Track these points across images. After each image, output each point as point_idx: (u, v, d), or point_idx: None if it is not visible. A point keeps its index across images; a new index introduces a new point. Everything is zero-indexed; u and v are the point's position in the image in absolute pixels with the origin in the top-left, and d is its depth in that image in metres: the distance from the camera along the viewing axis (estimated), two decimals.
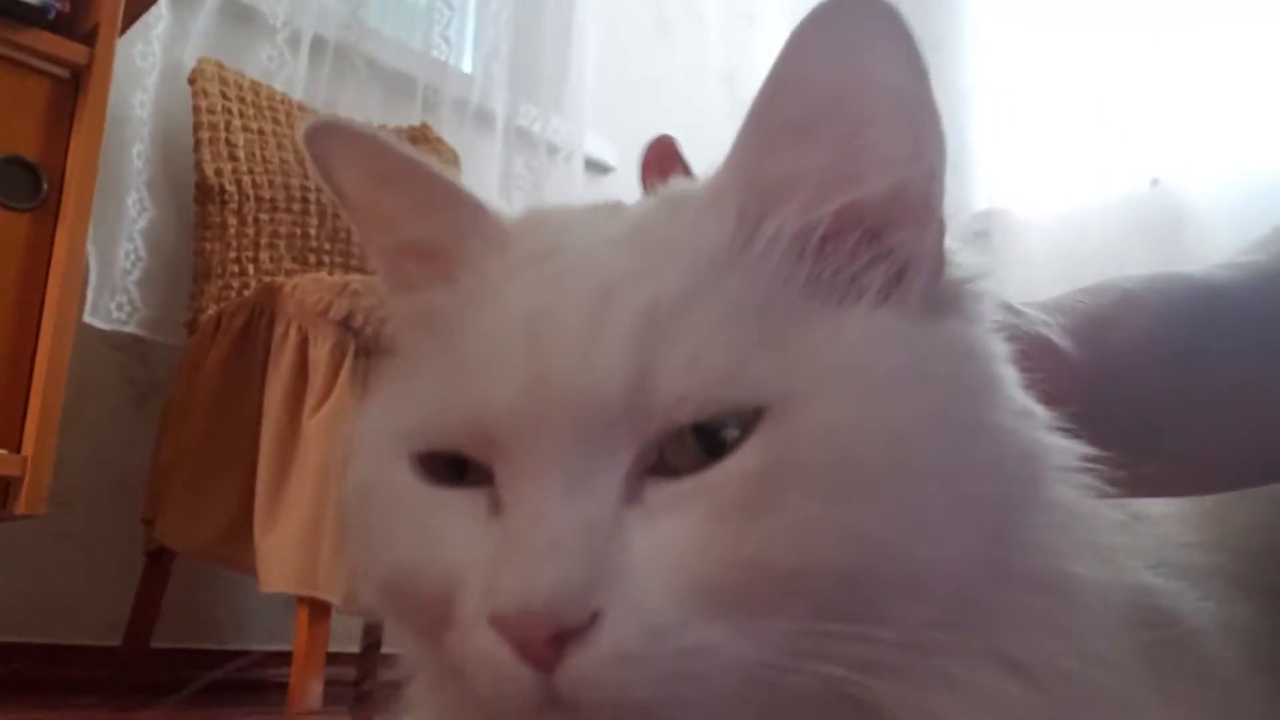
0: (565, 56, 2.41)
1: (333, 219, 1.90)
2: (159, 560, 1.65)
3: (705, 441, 0.32)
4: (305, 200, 1.87)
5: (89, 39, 1.38)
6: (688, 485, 0.32)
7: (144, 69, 1.80)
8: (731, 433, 0.32)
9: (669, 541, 0.31)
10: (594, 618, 0.29)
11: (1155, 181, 2.28)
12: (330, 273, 1.62)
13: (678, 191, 0.39)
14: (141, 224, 1.79)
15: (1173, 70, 2.17)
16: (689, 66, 2.81)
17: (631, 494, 0.32)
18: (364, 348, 1.47)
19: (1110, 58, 2.26)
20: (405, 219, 0.41)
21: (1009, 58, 2.43)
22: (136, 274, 1.77)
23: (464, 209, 0.39)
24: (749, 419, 0.32)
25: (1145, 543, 0.46)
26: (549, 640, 0.29)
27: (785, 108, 0.34)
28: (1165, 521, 0.51)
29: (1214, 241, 2.11)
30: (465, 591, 0.32)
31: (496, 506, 0.33)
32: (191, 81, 1.79)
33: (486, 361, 0.34)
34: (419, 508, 0.35)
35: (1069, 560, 0.35)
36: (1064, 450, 0.36)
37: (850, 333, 0.33)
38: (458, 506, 0.34)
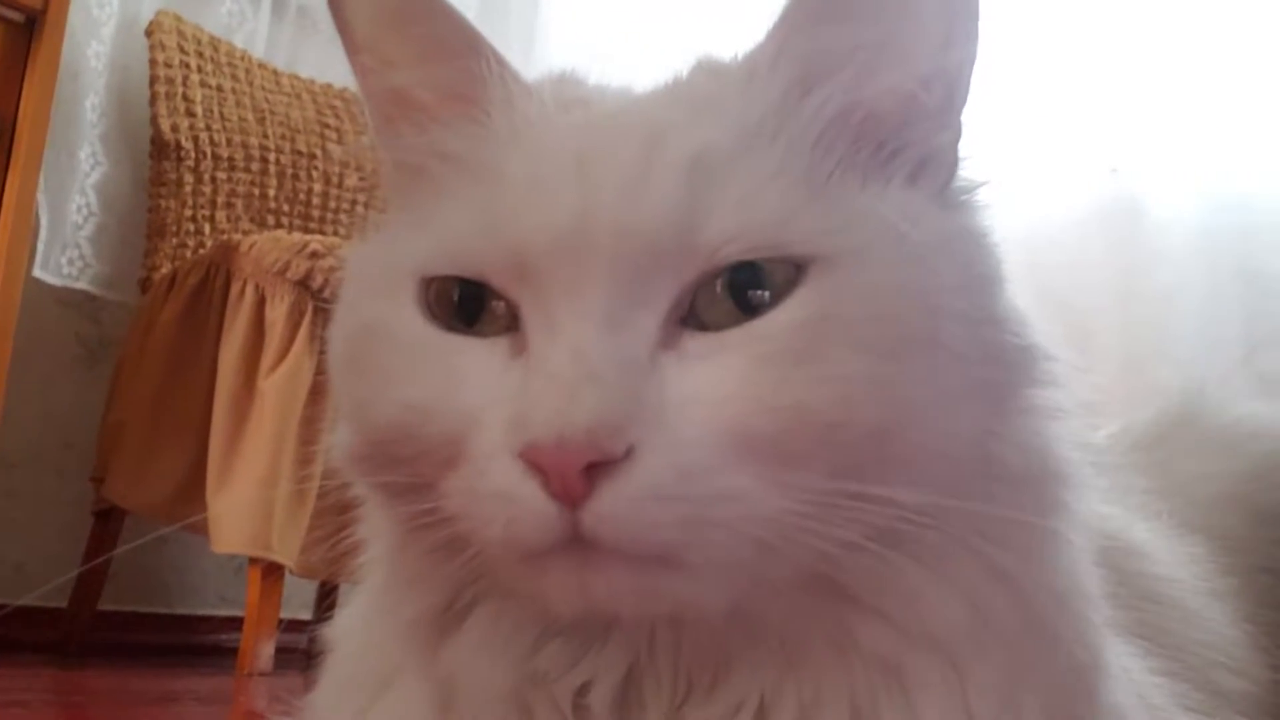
0: (532, 24, 2.39)
1: (292, 180, 1.87)
2: (108, 521, 1.62)
3: (738, 297, 0.32)
4: (264, 160, 1.84)
5: None
6: (732, 335, 0.32)
7: (100, 19, 1.75)
8: (760, 294, 0.32)
9: (708, 386, 0.31)
10: (629, 452, 0.29)
11: (1114, 170, 2.32)
12: (289, 233, 1.59)
13: (714, 61, 0.40)
14: (94, 178, 1.75)
15: (1135, 71, 2.19)
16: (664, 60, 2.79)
17: (667, 339, 0.32)
18: (322, 308, 1.46)
19: (1074, 56, 2.28)
20: (419, 60, 0.40)
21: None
22: (88, 229, 1.74)
23: (485, 57, 0.39)
24: (790, 275, 0.32)
25: (1103, 481, 0.47)
26: (583, 471, 0.29)
27: None
28: (1121, 471, 0.52)
29: (1171, 240, 2.15)
30: (481, 431, 0.31)
31: (518, 350, 0.33)
32: (149, 34, 1.75)
33: (531, 193, 0.33)
34: (432, 349, 0.34)
35: (1053, 461, 0.37)
36: (1050, 357, 0.37)
37: (889, 205, 0.34)
38: (473, 352, 0.33)
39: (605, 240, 0.32)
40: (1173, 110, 2.20)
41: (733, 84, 0.37)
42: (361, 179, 1.97)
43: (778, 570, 0.32)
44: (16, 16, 1.33)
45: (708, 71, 0.39)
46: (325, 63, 2.07)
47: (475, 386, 0.33)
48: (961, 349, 0.33)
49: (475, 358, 0.33)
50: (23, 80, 1.34)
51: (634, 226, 0.32)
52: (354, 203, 1.96)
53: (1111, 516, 0.43)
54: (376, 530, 0.42)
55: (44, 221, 1.65)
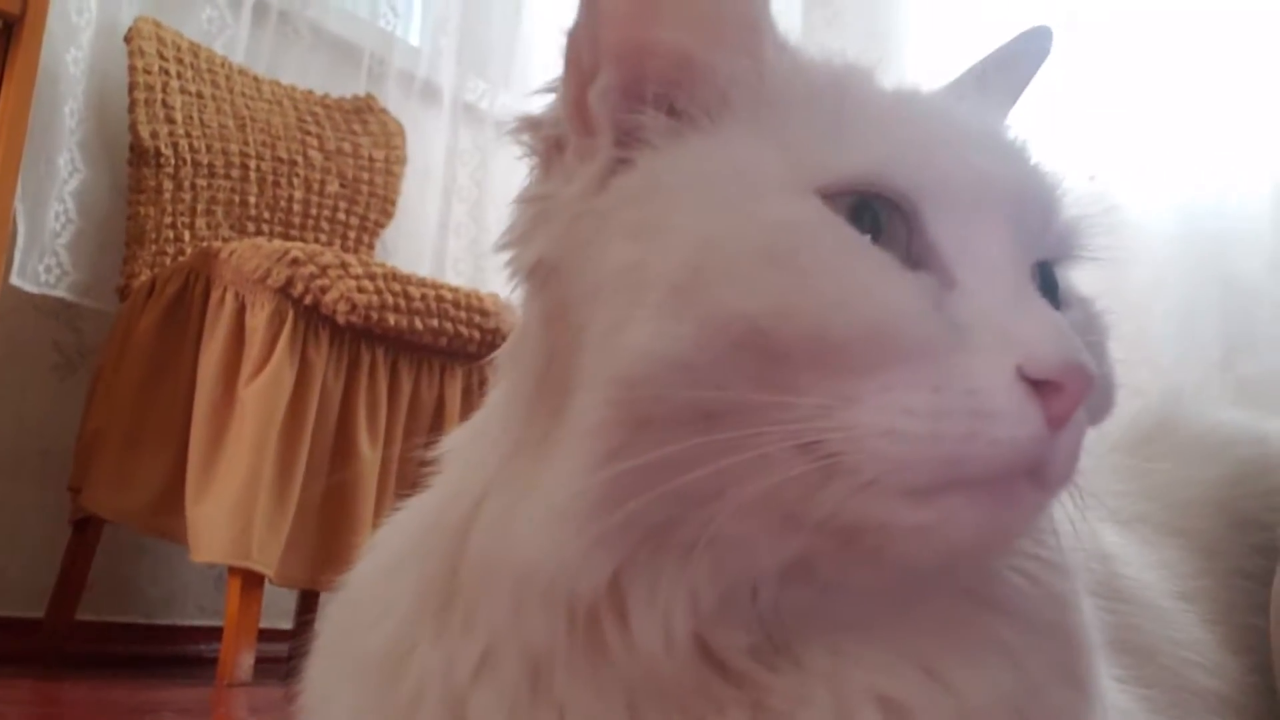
0: (515, 32, 2.39)
1: (273, 187, 1.87)
2: (86, 530, 1.60)
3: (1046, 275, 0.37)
4: (245, 167, 1.83)
5: None
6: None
7: (79, 25, 1.74)
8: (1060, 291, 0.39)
9: None
10: None
11: (1092, 177, 2.34)
12: (269, 240, 1.59)
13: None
14: (73, 185, 1.73)
15: (1112, 78, 2.22)
16: None
17: None
18: (303, 315, 1.45)
19: (1052, 64, 2.30)
20: None
21: (953, 52, 2.47)
22: (66, 236, 1.72)
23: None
24: None
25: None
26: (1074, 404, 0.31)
27: None
28: (1097, 474, 0.53)
29: (1149, 247, 2.17)
30: (962, 347, 0.31)
31: (938, 278, 0.34)
32: (128, 40, 1.74)
33: (947, 136, 0.36)
34: (863, 253, 0.33)
35: None
36: None
37: None
38: (890, 262, 0.33)
39: (1027, 202, 0.35)
40: (1150, 118, 2.22)
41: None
42: (342, 185, 1.96)
43: None
44: None
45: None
46: (305, 69, 2.07)
47: (913, 295, 0.32)
48: None
49: (895, 269, 0.33)
50: (0, 85, 1.33)
51: (1048, 193, 0.37)
52: (335, 209, 1.96)
53: (1098, 533, 0.44)
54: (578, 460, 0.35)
55: (21, 229, 1.64)
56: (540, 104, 0.41)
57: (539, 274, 0.37)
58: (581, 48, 0.38)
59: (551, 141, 0.39)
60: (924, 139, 0.35)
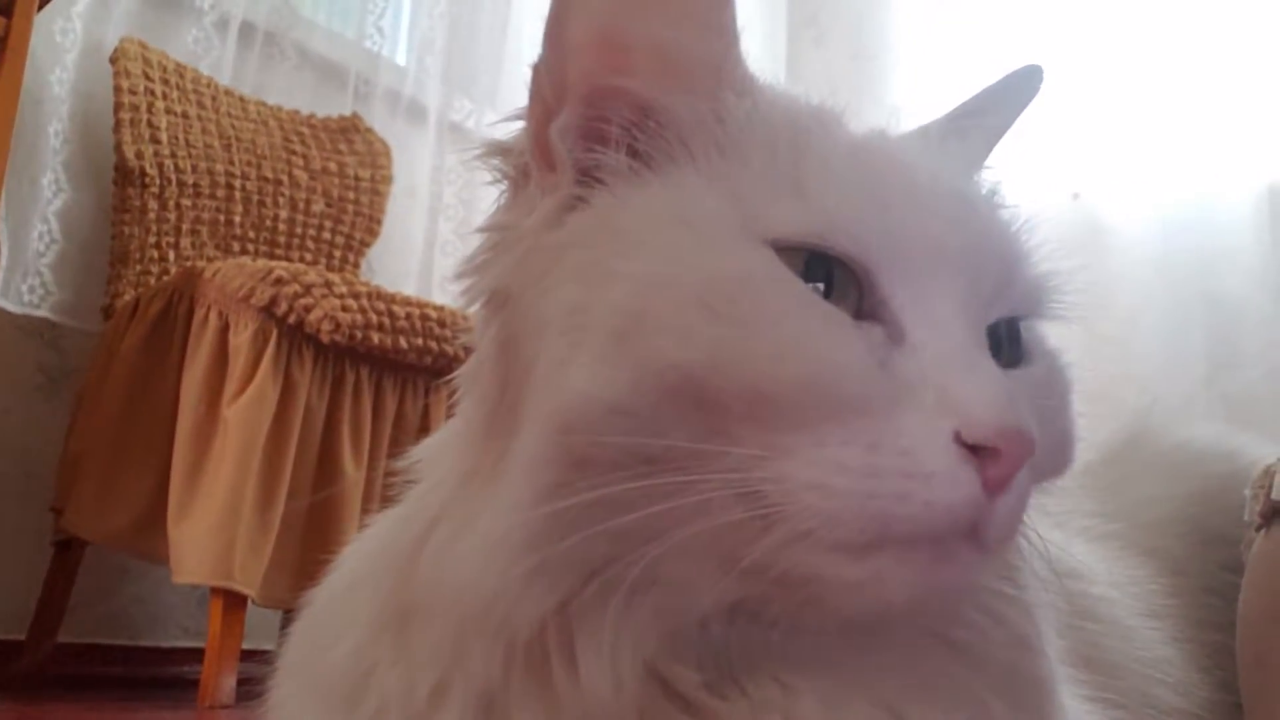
0: (501, 51, 2.40)
1: (258, 206, 1.87)
2: (68, 551, 1.60)
3: (1013, 341, 0.38)
4: (230, 187, 1.83)
5: (6, 9, 1.34)
6: (1015, 374, 0.36)
7: (63, 45, 1.74)
8: (1022, 348, 0.38)
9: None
10: None
11: (1076, 196, 2.35)
12: (254, 260, 1.58)
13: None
14: (57, 205, 1.73)
15: (1096, 97, 2.23)
16: None
17: None
18: (287, 335, 1.45)
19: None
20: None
21: (938, 72, 2.48)
22: (50, 256, 1.72)
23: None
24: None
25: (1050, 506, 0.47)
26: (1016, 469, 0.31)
27: None
28: (1071, 493, 0.53)
29: (1134, 264, 2.18)
30: (899, 406, 0.31)
31: (887, 332, 0.34)
32: (113, 61, 1.74)
33: (925, 199, 0.35)
34: (810, 307, 0.33)
35: None
36: None
37: None
38: (841, 320, 0.33)
39: (985, 260, 0.35)
40: (1134, 136, 2.23)
41: None
42: (328, 204, 1.97)
43: None
44: None
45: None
46: (292, 90, 2.07)
47: (857, 352, 0.32)
48: None
49: (841, 322, 0.33)
50: None
51: (1005, 252, 0.36)
52: (320, 228, 1.96)
53: (1052, 540, 0.44)
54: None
55: (5, 249, 1.63)
56: (512, 130, 0.41)
57: (495, 302, 0.37)
58: (545, 83, 0.38)
59: (520, 168, 0.39)
60: (879, 197, 0.35)
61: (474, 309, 0.39)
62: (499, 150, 0.40)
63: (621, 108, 0.37)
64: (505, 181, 0.40)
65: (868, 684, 0.33)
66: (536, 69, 0.38)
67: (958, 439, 0.30)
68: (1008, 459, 0.30)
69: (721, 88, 0.37)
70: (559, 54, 0.37)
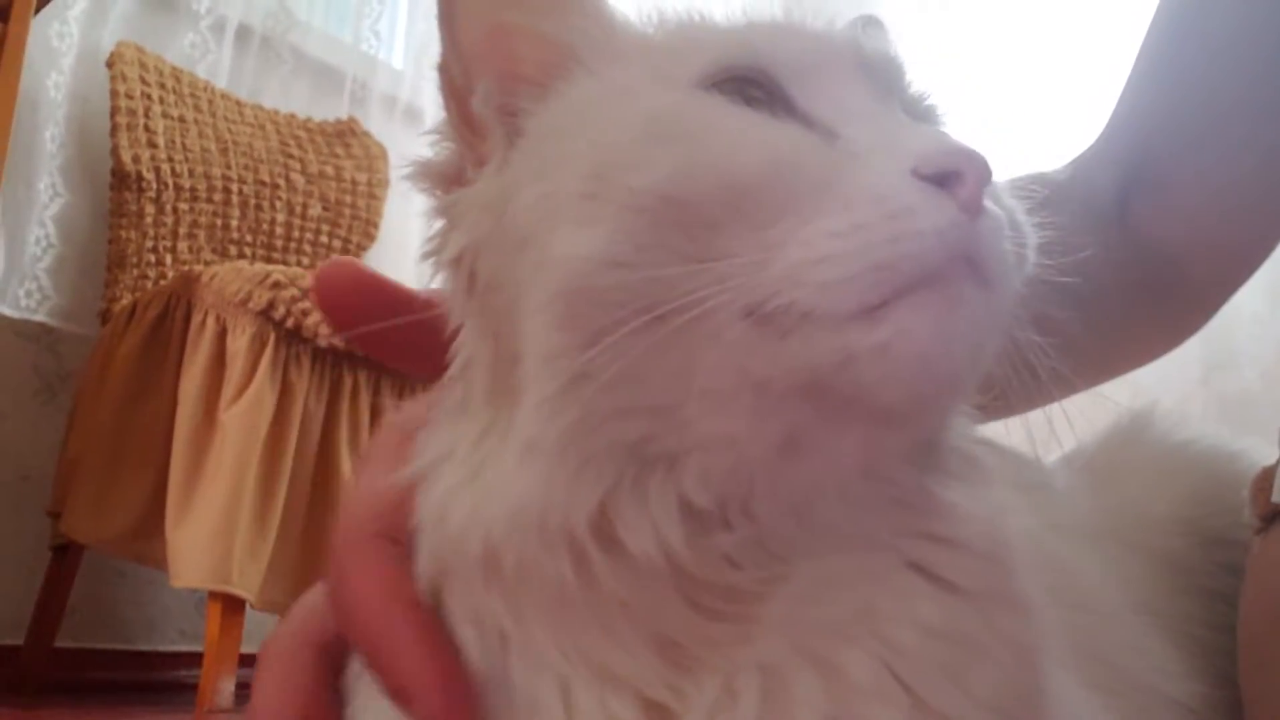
0: None
1: (255, 210, 1.87)
2: (65, 556, 1.59)
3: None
4: (227, 191, 1.83)
5: (3, 13, 1.34)
6: None
7: (60, 50, 1.75)
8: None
9: None
10: None
11: None
12: (251, 264, 1.58)
13: None
14: (54, 209, 1.73)
15: (1089, 90, 2.24)
16: None
17: None
18: (284, 339, 1.45)
19: (1026, 76, 2.33)
20: None
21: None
22: (47, 261, 1.72)
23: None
24: None
25: (1044, 507, 0.48)
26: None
27: None
28: (1070, 492, 0.53)
29: None
30: (856, 167, 0.32)
31: (820, 133, 0.35)
32: (110, 65, 1.74)
33: (796, 26, 0.38)
34: (744, 117, 0.34)
35: None
36: None
37: None
38: (769, 121, 0.35)
39: (876, 60, 0.37)
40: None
41: None
42: (325, 208, 1.97)
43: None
44: None
45: None
46: (288, 93, 2.07)
47: (802, 134, 0.34)
48: None
49: (775, 124, 0.35)
50: None
51: (889, 55, 0.38)
52: (317, 232, 1.96)
53: (1045, 539, 0.44)
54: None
55: (2, 253, 1.64)
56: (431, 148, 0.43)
57: (464, 266, 0.38)
58: (452, 70, 0.40)
59: (451, 177, 0.40)
60: (770, 26, 0.38)
61: (447, 285, 0.39)
62: (423, 166, 0.41)
63: (520, 44, 0.40)
64: (438, 191, 0.41)
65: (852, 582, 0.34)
66: (441, 64, 0.40)
67: (918, 175, 0.31)
68: (970, 176, 0.31)
69: (600, 9, 0.41)
70: (451, 36, 0.41)
